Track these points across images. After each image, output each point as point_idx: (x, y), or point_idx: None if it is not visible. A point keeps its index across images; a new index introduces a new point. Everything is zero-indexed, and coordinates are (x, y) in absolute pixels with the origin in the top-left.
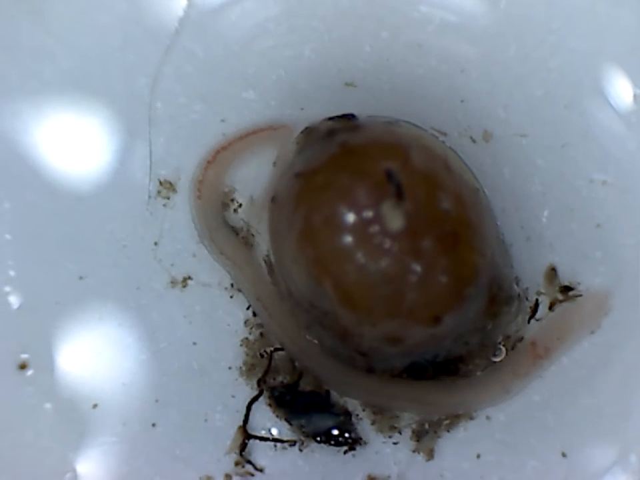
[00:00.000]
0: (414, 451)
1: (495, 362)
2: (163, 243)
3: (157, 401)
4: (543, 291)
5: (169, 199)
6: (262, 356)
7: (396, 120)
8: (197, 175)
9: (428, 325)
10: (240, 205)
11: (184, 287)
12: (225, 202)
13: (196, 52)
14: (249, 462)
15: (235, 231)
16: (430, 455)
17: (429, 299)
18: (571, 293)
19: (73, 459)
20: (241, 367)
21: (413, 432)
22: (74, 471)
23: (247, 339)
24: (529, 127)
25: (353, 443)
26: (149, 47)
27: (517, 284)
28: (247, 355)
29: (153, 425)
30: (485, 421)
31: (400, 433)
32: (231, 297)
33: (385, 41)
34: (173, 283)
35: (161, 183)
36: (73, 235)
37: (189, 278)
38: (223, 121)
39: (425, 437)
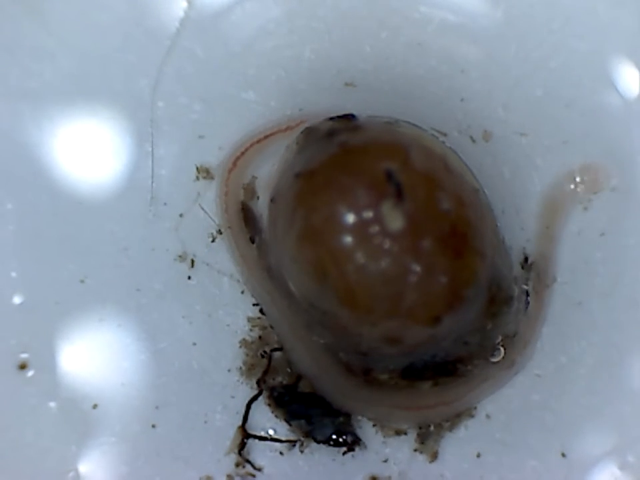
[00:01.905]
0: (415, 450)
1: (493, 363)
2: (163, 243)
3: (157, 407)
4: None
5: (207, 178)
6: (262, 356)
7: (396, 120)
8: (226, 166)
9: (427, 325)
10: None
11: (192, 266)
12: (247, 194)
13: (196, 52)
14: (248, 461)
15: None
16: (434, 456)
17: (429, 299)
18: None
19: (73, 459)
20: (240, 367)
21: (418, 435)
22: (76, 470)
23: (245, 339)
24: (528, 126)
25: (352, 444)
26: (149, 47)
27: (517, 284)
28: (247, 355)
29: (153, 425)
30: (485, 420)
31: (405, 433)
32: (242, 292)
33: (385, 41)
34: (182, 257)
35: (198, 169)
36: (74, 236)
37: (189, 278)
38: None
39: (429, 439)
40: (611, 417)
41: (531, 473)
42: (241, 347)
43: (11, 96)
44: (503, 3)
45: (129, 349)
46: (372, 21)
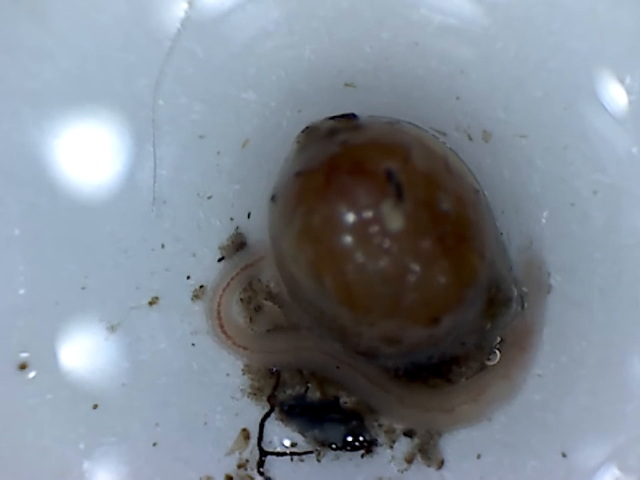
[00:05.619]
0: (424, 464)
1: (488, 366)
2: (163, 244)
3: (157, 424)
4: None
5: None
6: (271, 372)
7: (397, 120)
8: (214, 325)
9: (426, 325)
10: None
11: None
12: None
13: (196, 53)
14: (269, 479)
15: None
16: (440, 464)
17: (428, 299)
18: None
19: (73, 459)
20: (246, 390)
21: (419, 450)
22: (76, 470)
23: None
24: (528, 127)
25: (368, 446)
26: (149, 47)
27: (516, 285)
28: (252, 379)
29: (154, 424)
30: (486, 421)
31: (411, 437)
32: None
33: (385, 41)
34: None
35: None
36: (74, 237)
37: (188, 278)
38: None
39: (432, 450)
40: (612, 417)
41: (531, 474)
42: (244, 374)
43: (11, 96)
44: (502, 3)
45: (129, 349)
46: (372, 21)
